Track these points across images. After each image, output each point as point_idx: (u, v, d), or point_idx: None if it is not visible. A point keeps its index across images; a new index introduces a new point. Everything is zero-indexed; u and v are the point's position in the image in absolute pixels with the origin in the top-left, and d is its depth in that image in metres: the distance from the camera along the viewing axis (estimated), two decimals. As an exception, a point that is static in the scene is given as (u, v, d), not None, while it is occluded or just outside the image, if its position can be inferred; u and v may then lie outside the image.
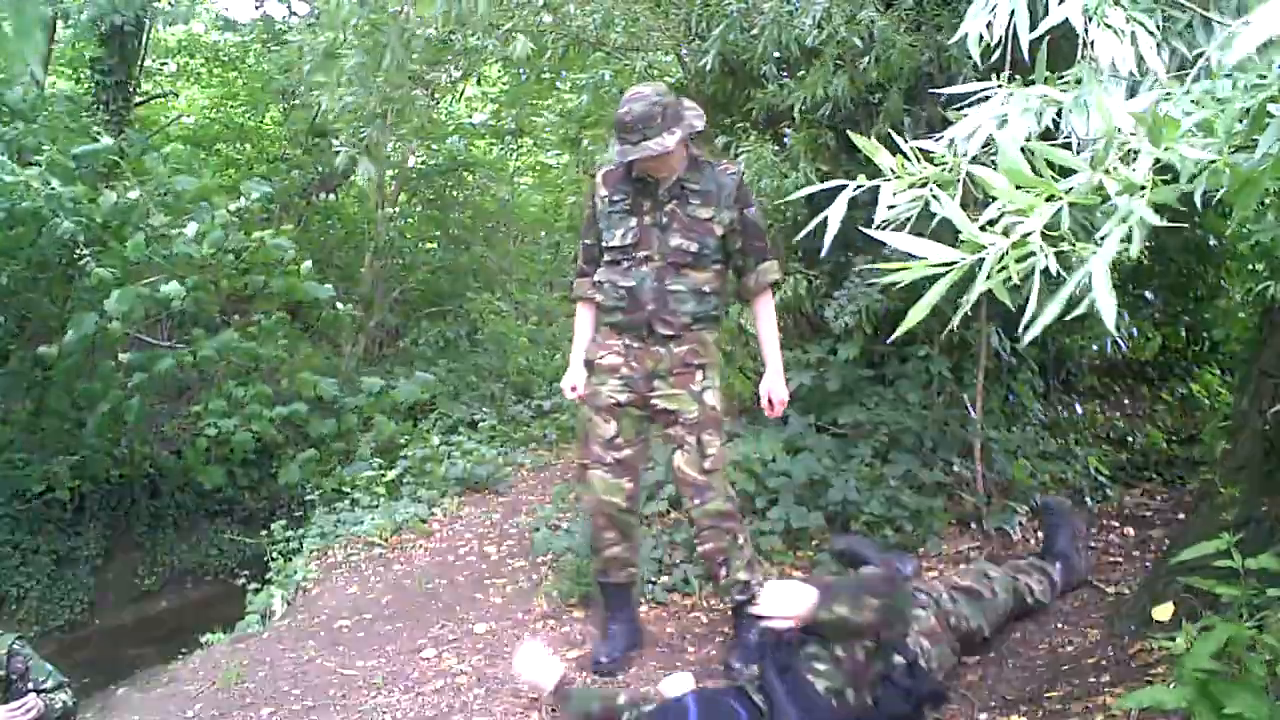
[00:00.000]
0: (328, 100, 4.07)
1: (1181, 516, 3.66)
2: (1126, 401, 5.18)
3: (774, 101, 3.74)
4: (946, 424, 3.95)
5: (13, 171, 5.50)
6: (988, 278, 0.70)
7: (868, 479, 3.77)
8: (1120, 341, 4.13)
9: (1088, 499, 3.95)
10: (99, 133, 7.25)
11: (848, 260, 3.83)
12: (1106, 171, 0.77)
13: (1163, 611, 2.12)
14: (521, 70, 7.05)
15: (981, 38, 1.03)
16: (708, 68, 3.79)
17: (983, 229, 0.72)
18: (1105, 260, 0.71)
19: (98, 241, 5.96)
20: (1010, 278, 0.72)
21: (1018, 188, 0.73)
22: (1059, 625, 2.88)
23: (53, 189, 5.51)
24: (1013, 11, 0.99)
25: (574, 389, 2.91)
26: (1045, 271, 0.74)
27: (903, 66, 3.38)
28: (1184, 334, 5.40)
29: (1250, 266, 4.95)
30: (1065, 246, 0.73)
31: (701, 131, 2.71)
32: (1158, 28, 0.99)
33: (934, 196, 0.73)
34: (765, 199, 3.76)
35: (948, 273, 0.71)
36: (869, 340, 4.04)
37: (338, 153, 4.36)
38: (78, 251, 5.64)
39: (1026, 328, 0.75)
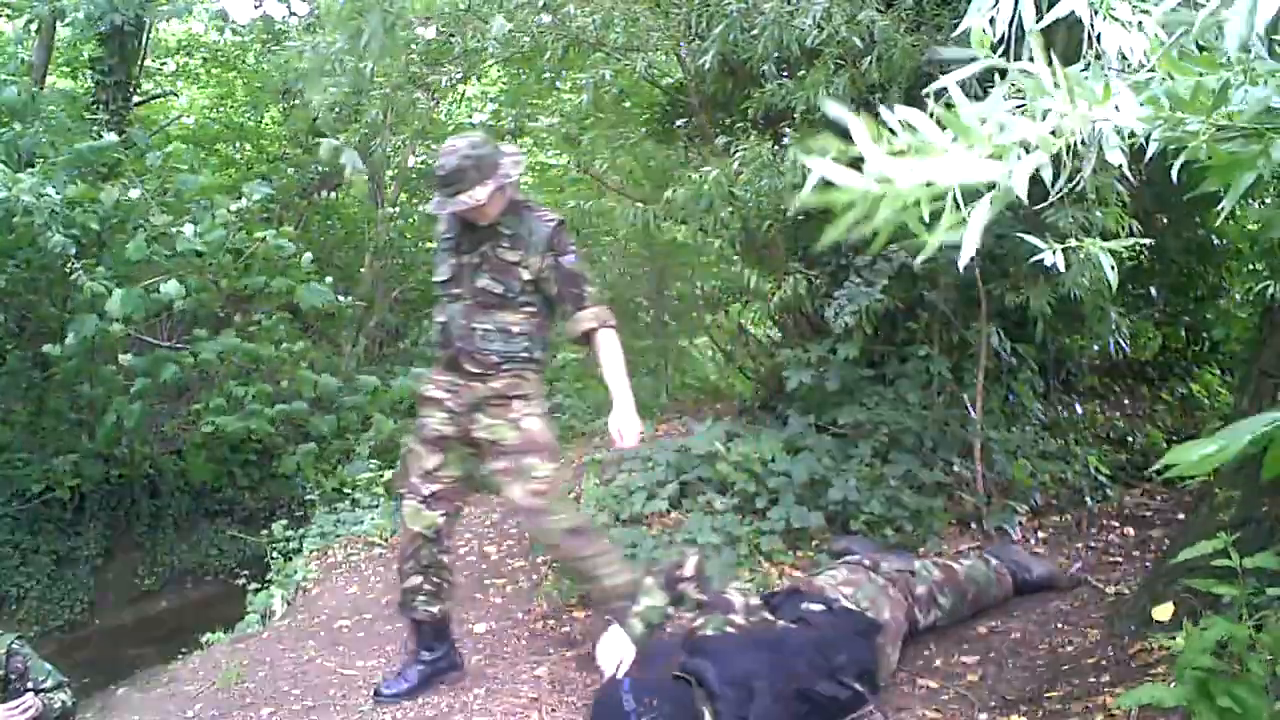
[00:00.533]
0: (312, 94, 4.07)
1: (1181, 516, 3.66)
2: (1126, 401, 5.18)
3: (773, 101, 3.74)
4: (946, 424, 3.95)
5: (9, 180, 5.48)
6: (903, 209, 0.74)
7: (868, 479, 3.77)
8: (1123, 342, 4.13)
9: (1088, 499, 3.95)
10: (99, 132, 7.24)
11: (848, 261, 3.84)
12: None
13: (1163, 611, 2.12)
14: (520, 70, 7.06)
15: (985, 33, 1.02)
16: (707, 67, 3.79)
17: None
18: (986, 207, 0.75)
19: (97, 243, 5.95)
20: (921, 214, 0.76)
21: (954, 139, 0.76)
22: (1059, 625, 2.88)
23: (45, 195, 5.49)
24: (1017, 3, 0.99)
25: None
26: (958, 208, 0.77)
27: (903, 66, 3.38)
28: (1184, 334, 5.40)
29: (1250, 266, 4.95)
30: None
31: (514, 181, 2.75)
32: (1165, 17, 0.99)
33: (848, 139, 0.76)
34: (765, 199, 3.76)
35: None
36: (869, 340, 4.04)
37: (324, 144, 4.34)
38: (69, 265, 5.62)
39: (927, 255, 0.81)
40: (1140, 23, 0.96)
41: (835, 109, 0.81)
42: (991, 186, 0.78)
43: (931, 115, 0.81)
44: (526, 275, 2.77)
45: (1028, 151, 0.78)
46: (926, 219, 0.77)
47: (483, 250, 2.79)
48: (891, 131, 0.79)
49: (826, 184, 0.77)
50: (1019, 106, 0.86)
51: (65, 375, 6.64)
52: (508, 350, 2.80)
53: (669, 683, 2.38)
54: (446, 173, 2.67)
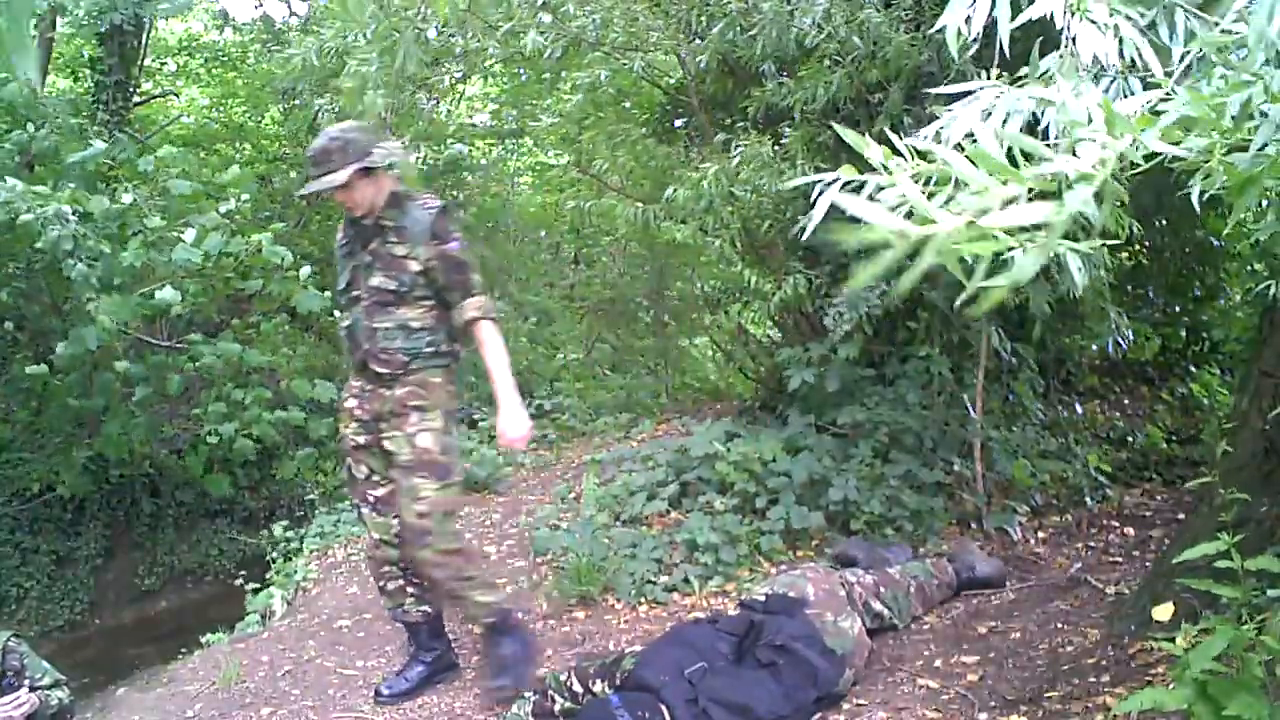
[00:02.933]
0: (346, 105, 4.08)
1: (1181, 516, 3.66)
2: (1126, 401, 5.18)
3: (773, 100, 3.74)
4: (946, 424, 3.94)
5: (39, 199, 5.47)
6: (939, 254, 0.72)
7: (868, 479, 3.77)
8: (1121, 341, 4.13)
9: (1088, 499, 3.95)
10: (91, 135, 7.23)
11: (847, 264, 3.83)
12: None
13: (1163, 611, 2.11)
14: (520, 70, 7.06)
15: (960, 32, 1.02)
16: (705, 67, 3.79)
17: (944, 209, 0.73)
18: (1039, 250, 0.72)
19: (90, 254, 5.92)
20: (963, 256, 0.73)
21: (990, 174, 0.74)
22: (1059, 625, 2.88)
23: (68, 223, 5.47)
24: (994, 4, 0.99)
25: None
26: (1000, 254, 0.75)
27: (902, 66, 3.38)
28: (1184, 334, 5.40)
29: (1250, 266, 4.95)
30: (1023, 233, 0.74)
31: (377, 166, 2.69)
32: (1140, 17, 0.98)
33: (888, 174, 0.73)
34: (765, 198, 3.76)
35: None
36: (869, 340, 4.04)
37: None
38: (70, 261, 5.60)
39: (970, 301, 0.77)
40: (1116, 25, 0.95)
41: (846, 133, 0.79)
42: (1038, 226, 0.74)
43: (938, 137, 0.80)
44: (416, 267, 2.73)
45: (1069, 187, 0.75)
46: (969, 261, 0.74)
47: (372, 248, 2.77)
48: (897, 153, 0.77)
49: (850, 217, 0.74)
50: (1034, 127, 0.85)
51: (64, 389, 6.61)
52: (411, 347, 2.76)
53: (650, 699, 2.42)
54: (313, 154, 2.66)
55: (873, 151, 0.75)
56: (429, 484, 2.73)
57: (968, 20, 0.99)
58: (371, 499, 2.88)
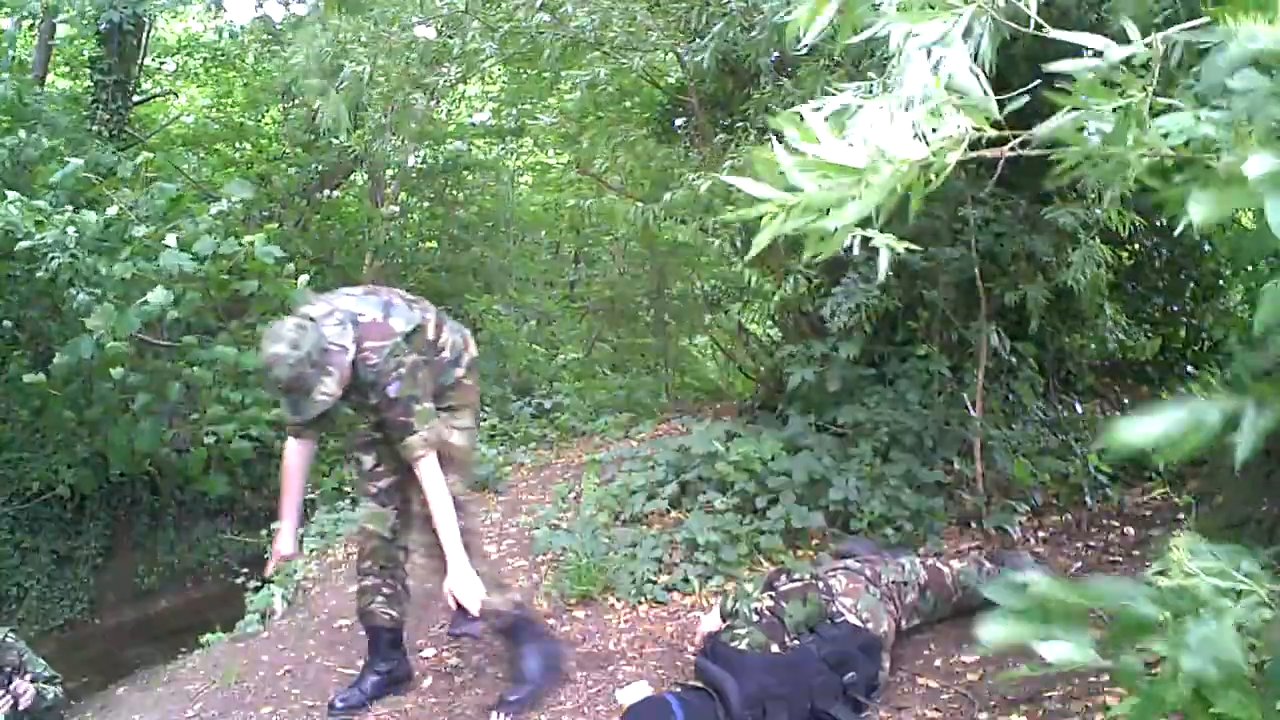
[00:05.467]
0: (325, 109, 4.08)
1: (1181, 517, 3.66)
2: (1126, 401, 5.17)
3: (772, 100, 3.74)
4: (947, 423, 3.94)
5: (36, 220, 5.47)
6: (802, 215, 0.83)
7: (868, 478, 3.76)
8: (1121, 337, 4.14)
9: (1088, 499, 3.95)
10: (90, 137, 7.21)
11: (846, 262, 3.83)
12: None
13: (1163, 611, 2.11)
14: (521, 70, 7.06)
15: (797, 28, 1.04)
16: (705, 66, 3.79)
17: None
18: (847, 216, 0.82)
19: (88, 275, 5.91)
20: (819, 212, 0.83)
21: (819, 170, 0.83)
22: (1059, 625, 2.87)
23: (39, 217, 5.46)
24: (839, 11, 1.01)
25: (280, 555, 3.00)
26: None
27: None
28: (1184, 334, 5.39)
29: (1250, 266, 4.94)
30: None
31: (343, 345, 2.59)
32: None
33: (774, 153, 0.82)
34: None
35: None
36: (869, 339, 4.04)
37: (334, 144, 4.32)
38: (71, 290, 5.59)
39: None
40: (941, 58, 0.96)
41: (776, 117, 0.86)
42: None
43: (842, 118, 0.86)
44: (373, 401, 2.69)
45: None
46: (835, 227, 0.82)
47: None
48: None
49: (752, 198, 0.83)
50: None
51: (61, 401, 6.60)
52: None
53: (689, 694, 2.39)
54: (286, 383, 2.53)
55: (792, 133, 0.81)
56: (452, 478, 2.78)
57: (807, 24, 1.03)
58: (374, 490, 2.91)
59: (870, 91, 1.01)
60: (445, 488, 2.66)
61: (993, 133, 0.89)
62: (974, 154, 0.89)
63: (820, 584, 2.70)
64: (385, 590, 2.94)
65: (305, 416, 2.60)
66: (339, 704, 2.95)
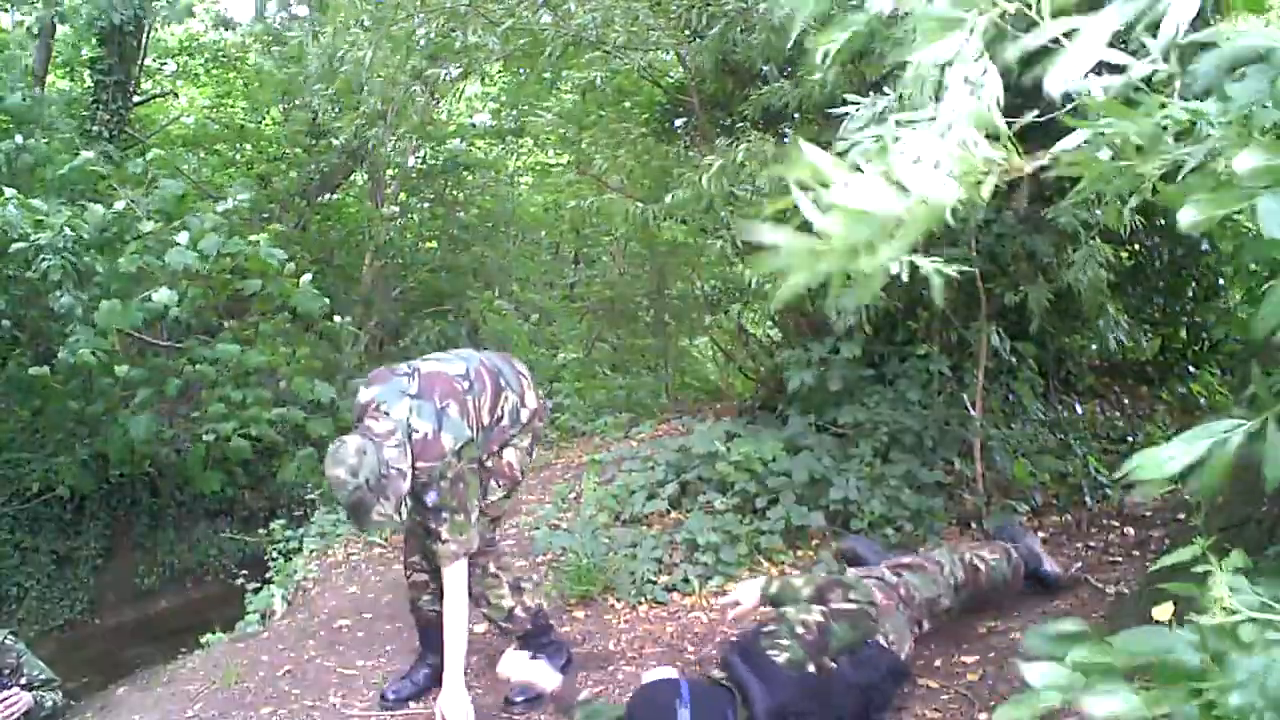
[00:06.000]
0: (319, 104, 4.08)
1: (1181, 516, 3.66)
2: (1126, 401, 5.17)
3: (772, 100, 3.74)
4: (947, 423, 3.94)
5: (29, 219, 5.47)
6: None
7: (868, 478, 3.76)
8: (1122, 338, 4.13)
9: (1088, 499, 3.95)
10: (89, 137, 7.21)
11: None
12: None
13: (1163, 611, 2.11)
14: (521, 70, 7.06)
15: (826, 54, 1.03)
16: (706, 66, 3.79)
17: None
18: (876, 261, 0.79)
19: (91, 261, 5.90)
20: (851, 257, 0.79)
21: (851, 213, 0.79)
22: (1059, 625, 2.87)
23: (62, 243, 5.45)
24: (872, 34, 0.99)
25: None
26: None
27: (902, 68, 3.38)
28: (1184, 334, 5.39)
29: (1250, 267, 4.94)
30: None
31: (402, 468, 2.61)
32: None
33: (801, 189, 0.78)
34: (766, 198, 3.76)
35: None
36: (869, 340, 4.04)
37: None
38: (56, 293, 5.58)
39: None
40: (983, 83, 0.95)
41: (802, 142, 0.83)
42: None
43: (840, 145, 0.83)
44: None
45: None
46: (865, 268, 0.79)
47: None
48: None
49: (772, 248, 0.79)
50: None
51: (63, 394, 6.60)
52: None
53: (706, 685, 2.34)
54: (348, 506, 2.59)
55: (822, 161, 0.78)
56: (498, 491, 2.87)
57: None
58: None
59: (886, 110, 0.98)
60: (464, 598, 2.72)
61: (1019, 161, 0.86)
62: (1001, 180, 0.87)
63: (873, 610, 2.54)
64: (433, 586, 2.94)
65: (365, 530, 2.76)
66: (390, 695, 2.97)
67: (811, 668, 2.35)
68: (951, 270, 0.85)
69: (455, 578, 2.70)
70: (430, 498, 2.68)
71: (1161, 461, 0.81)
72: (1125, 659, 0.84)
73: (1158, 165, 0.86)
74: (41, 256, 5.42)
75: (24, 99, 6.87)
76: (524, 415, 2.90)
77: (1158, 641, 0.85)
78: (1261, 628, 0.83)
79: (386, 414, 2.65)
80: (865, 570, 2.80)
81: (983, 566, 2.91)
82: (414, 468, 2.63)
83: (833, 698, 2.33)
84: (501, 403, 2.85)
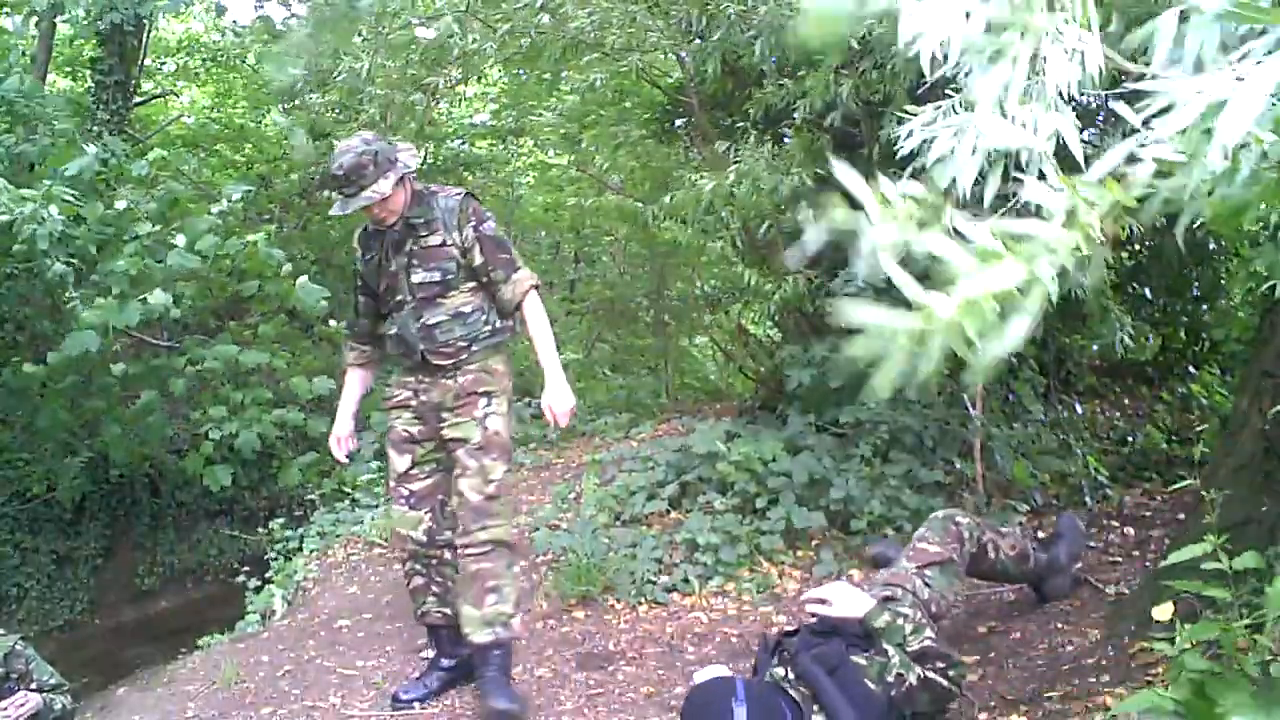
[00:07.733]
0: (275, 73, 4.10)
1: (1181, 516, 3.66)
2: (1126, 401, 5.18)
3: (773, 102, 3.74)
4: (947, 423, 3.95)
5: (15, 199, 5.44)
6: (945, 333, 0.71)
7: (868, 478, 3.77)
8: (1127, 339, 4.13)
9: (1088, 499, 3.95)
10: (89, 137, 7.20)
11: (846, 262, 3.83)
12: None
13: (1163, 611, 2.11)
14: (521, 71, 7.06)
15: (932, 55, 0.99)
16: (707, 68, 3.79)
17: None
18: (1024, 316, 0.72)
19: (91, 260, 5.89)
20: (965, 334, 0.72)
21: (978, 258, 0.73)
22: (1059, 625, 2.88)
23: (49, 219, 5.43)
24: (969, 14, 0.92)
25: (338, 442, 3.06)
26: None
27: (903, 71, 3.38)
28: (1184, 334, 5.39)
29: (1250, 267, 4.94)
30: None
31: (414, 170, 2.78)
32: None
33: (920, 228, 0.73)
34: (764, 200, 3.76)
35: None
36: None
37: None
38: (46, 261, 5.56)
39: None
40: (1083, 52, 0.89)
41: (843, 172, 0.76)
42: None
43: (911, 162, 0.79)
44: (455, 252, 2.78)
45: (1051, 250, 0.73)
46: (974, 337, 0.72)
47: (407, 248, 2.79)
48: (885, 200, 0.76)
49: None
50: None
51: (57, 396, 6.59)
52: (470, 332, 2.80)
53: (770, 687, 2.26)
54: (345, 171, 2.66)
55: (863, 193, 0.74)
56: (500, 465, 2.78)
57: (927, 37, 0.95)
58: (406, 492, 2.88)
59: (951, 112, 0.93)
60: (546, 317, 2.84)
61: (1120, 193, 0.79)
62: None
63: (956, 691, 2.40)
64: (435, 589, 2.92)
65: (345, 211, 2.71)
66: (403, 696, 2.95)
67: (881, 692, 2.25)
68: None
69: (536, 303, 2.82)
70: (487, 227, 2.79)
71: None
72: None
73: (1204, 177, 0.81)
74: (26, 225, 5.37)
75: (24, 88, 6.84)
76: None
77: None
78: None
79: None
80: (892, 574, 2.66)
81: (991, 555, 2.82)
82: (451, 192, 2.82)
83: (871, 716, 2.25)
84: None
